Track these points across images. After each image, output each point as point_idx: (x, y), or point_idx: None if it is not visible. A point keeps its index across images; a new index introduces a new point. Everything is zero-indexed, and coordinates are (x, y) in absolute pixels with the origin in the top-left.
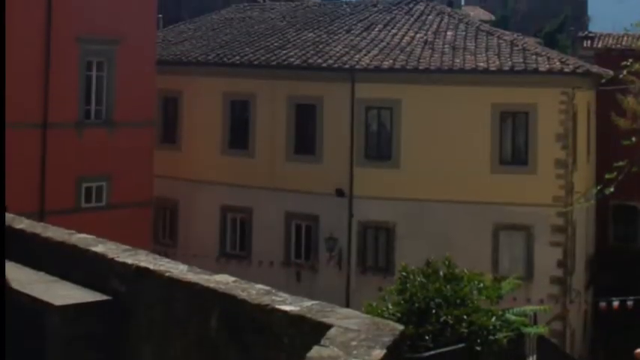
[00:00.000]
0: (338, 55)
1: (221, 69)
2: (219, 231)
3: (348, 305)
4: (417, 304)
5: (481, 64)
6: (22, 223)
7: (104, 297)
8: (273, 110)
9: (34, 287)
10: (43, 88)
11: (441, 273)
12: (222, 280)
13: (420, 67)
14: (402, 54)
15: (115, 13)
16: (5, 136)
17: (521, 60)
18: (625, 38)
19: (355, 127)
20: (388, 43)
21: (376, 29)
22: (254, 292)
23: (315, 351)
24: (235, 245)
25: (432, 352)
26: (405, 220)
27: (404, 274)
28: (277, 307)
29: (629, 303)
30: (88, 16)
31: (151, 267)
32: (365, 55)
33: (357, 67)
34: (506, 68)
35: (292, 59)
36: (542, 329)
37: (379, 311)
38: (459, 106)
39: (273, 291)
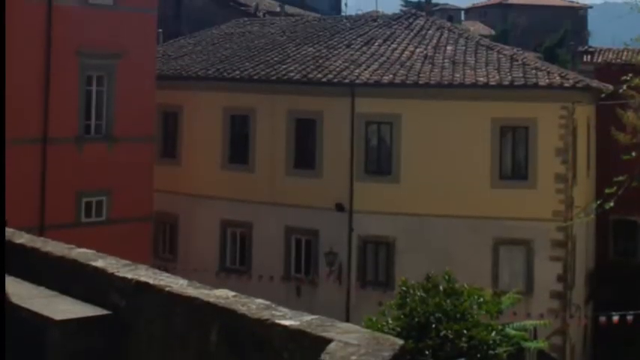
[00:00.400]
0: (338, 69)
1: (221, 84)
2: (219, 245)
3: (348, 320)
4: (416, 319)
5: (481, 78)
6: (22, 238)
7: (104, 312)
8: (273, 125)
9: (34, 302)
10: (43, 103)
11: (441, 287)
12: (222, 295)
13: (420, 82)
14: (402, 69)
15: (115, 27)
16: (5, 151)
17: (521, 75)
18: (625, 53)
19: (355, 141)
20: (388, 58)
21: (376, 44)
22: (254, 306)
23: None
24: (235, 260)
25: None
26: (404, 234)
27: (404, 288)
28: (277, 321)
29: (629, 318)
30: (88, 31)
31: (151, 282)
32: (365, 69)
33: (357, 81)
34: (506, 83)
35: (292, 74)
36: (542, 344)
37: (379, 326)
38: (459, 121)
39: (273, 305)
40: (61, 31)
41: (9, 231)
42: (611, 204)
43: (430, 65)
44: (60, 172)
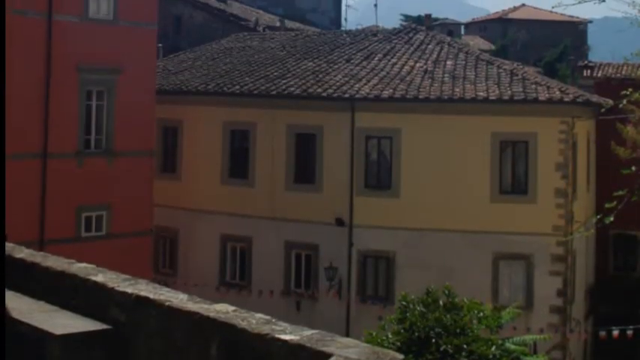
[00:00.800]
0: (338, 84)
1: (221, 98)
2: (219, 260)
3: (348, 334)
4: (417, 334)
5: (481, 93)
6: (21, 252)
7: (104, 326)
8: (273, 139)
9: (34, 316)
10: (43, 118)
11: (441, 302)
12: (222, 310)
13: (420, 97)
14: (401, 83)
15: (115, 42)
16: (5, 166)
17: (520, 89)
18: (625, 67)
19: (355, 156)
20: (388, 73)
21: (376, 58)
22: (254, 321)
23: None
24: (235, 274)
25: None
26: (404, 249)
27: (404, 303)
28: (277, 336)
29: (630, 332)
30: (88, 46)
31: (151, 296)
32: (365, 84)
33: (357, 96)
34: (506, 97)
35: (292, 88)
36: (542, 358)
37: (379, 340)
38: (459, 135)
39: (273, 320)
40: (60, 46)
41: (9, 245)
42: (611, 218)
43: (430, 80)
44: (60, 187)
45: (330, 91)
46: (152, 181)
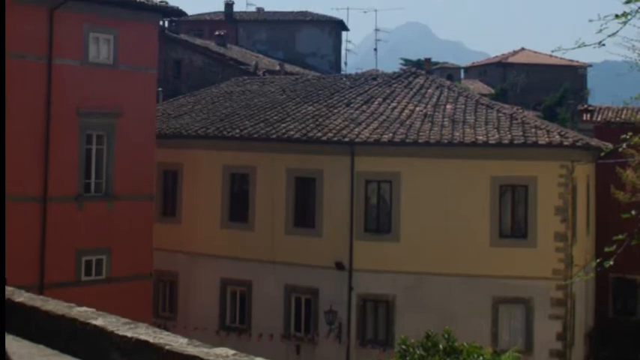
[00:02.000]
0: (338, 128)
1: (221, 142)
2: (219, 304)
3: None
4: None
5: (480, 137)
6: (21, 296)
7: None
8: (272, 183)
9: None
10: (43, 161)
11: (441, 346)
12: (221, 353)
13: (420, 141)
14: (401, 127)
15: (115, 86)
16: (5, 209)
17: (520, 133)
18: (624, 111)
19: (355, 200)
20: (388, 117)
21: (376, 102)
22: None
23: None
24: (235, 318)
25: None
26: (404, 293)
27: (403, 347)
28: None
29: None
30: (88, 89)
31: (151, 340)
32: (364, 128)
33: (357, 140)
34: (506, 141)
35: (292, 132)
36: None
37: None
38: (459, 179)
39: None
40: (61, 90)
41: (9, 289)
42: (611, 262)
43: (430, 124)
44: (60, 231)
45: (330, 135)
46: (152, 224)
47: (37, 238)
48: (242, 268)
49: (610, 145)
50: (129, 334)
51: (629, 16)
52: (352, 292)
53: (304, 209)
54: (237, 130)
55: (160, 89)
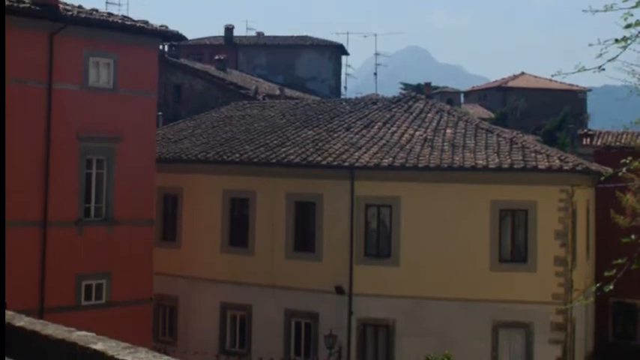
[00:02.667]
0: (337, 152)
1: (221, 167)
2: (219, 328)
3: None
4: None
5: (480, 161)
6: (21, 321)
7: None
8: (272, 208)
9: None
10: (43, 186)
11: None
12: None
13: (420, 165)
14: (401, 152)
15: (115, 110)
16: (5, 234)
17: (520, 158)
18: (624, 136)
19: (355, 224)
20: (388, 141)
21: (376, 127)
22: None
23: None
24: (235, 342)
25: None
26: (404, 317)
27: None
28: None
29: None
30: (88, 114)
31: None
32: (364, 152)
33: (357, 164)
34: (506, 166)
35: (292, 157)
36: None
37: None
38: (459, 204)
39: None
40: (61, 114)
41: (9, 314)
42: (611, 287)
43: (429, 148)
44: (60, 255)
45: (330, 159)
46: (152, 249)
47: (37, 263)
48: (242, 293)
49: (610, 170)
50: (129, 358)
51: (628, 41)
52: (352, 316)
53: (304, 233)
54: (237, 155)
55: (160, 113)
